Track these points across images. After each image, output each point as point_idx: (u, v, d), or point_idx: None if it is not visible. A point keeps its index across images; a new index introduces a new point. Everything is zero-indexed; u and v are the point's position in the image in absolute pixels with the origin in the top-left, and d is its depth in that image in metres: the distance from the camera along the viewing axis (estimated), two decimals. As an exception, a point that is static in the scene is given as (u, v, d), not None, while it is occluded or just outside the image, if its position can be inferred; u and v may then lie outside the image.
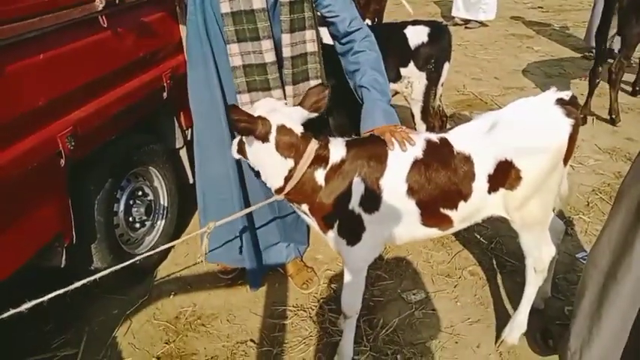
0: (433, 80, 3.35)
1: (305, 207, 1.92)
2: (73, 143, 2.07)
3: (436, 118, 3.56)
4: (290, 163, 1.80)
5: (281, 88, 2.08)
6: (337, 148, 1.85)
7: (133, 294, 2.66)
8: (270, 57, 2.00)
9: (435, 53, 3.25)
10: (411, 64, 3.28)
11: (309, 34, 2.03)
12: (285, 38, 1.98)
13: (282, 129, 1.78)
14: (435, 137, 1.91)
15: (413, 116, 3.51)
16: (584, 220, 3.09)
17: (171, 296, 2.65)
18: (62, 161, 2.06)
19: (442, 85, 3.48)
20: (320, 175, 1.83)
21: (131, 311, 2.55)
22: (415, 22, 3.32)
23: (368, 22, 4.51)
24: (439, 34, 3.26)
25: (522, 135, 1.84)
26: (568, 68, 5.74)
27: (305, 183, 1.83)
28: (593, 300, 1.60)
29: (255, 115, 1.77)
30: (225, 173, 2.29)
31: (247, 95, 2.07)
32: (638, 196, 1.43)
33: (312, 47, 2.06)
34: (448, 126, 3.90)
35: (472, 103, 5.01)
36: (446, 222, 1.95)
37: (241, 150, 1.92)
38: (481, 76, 5.68)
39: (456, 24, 7.92)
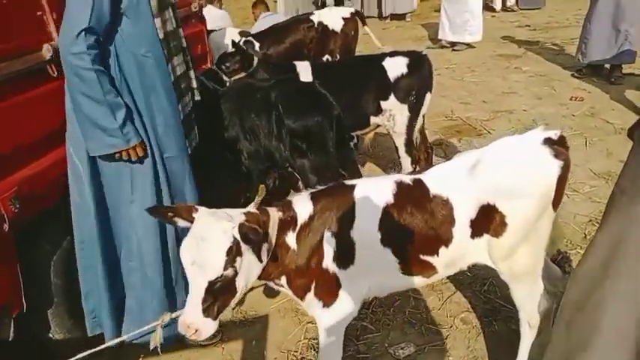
0: (415, 112, 3.22)
1: (283, 279, 1.75)
2: (17, 205, 1.89)
3: (421, 150, 3.40)
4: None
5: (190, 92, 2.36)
6: (303, 205, 1.70)
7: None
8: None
9: (416, 84, 3.13)
10: (392, 97, 3.15)
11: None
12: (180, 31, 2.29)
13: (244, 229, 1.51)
14: (407, 179, 1.77)
15: (396, 149, 3.36)
16: (583, 254, 2.90)
17: (139, 361, 2.44)
18: (6, 226, 1.88)
19: (424, 116, 3.34)
20: (291, 238, 1.69)
21: (94, 381, 2.34)
22: (393, 54, 3.20)
23: (327, 57, 4.44)
24: (419, 64, 3.14)
25: (507, 177, 1.69)
26: (558, 88, 5.62)
27: (279, 255, 1.67)
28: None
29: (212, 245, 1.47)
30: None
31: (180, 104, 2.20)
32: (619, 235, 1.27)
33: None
34: (436, 157, 3.75)
35: (461, 129, 4.86)
36: (428, 269, 1.80)
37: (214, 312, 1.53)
38: (469, 100, 5.56)
39: (442, 46, 7.86)
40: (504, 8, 10.34)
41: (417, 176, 1.75)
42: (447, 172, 1.74)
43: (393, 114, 3.20)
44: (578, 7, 9.87)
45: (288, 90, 2.77)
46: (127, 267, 2.19)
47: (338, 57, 4.47)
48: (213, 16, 6.20)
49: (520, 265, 1.77)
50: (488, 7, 9.98)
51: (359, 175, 3.06)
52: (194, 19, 3.28)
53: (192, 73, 2.35)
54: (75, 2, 1.80)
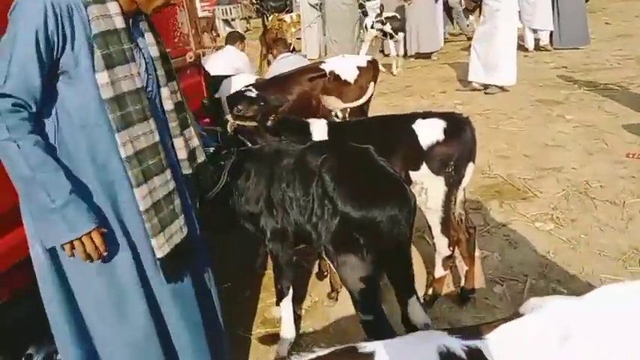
0: (454, 185, 2.60)
1: None
2: None
3: (460, 231, 2.77)
4: None
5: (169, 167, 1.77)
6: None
7: None
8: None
9: (455, 153, 2.52)
10: (424, 167, 2.55)
11: (176, 83, 1.92)
12: (165, 91, 1.82)
13: None
14: (458, 348, 1.13)
15: (430, 228, 2.74)
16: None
17: None
18: None
19: (464, 189, 2.73)
20: None
21: None
22: (427, 115, 2.62)
23: (338, 113, 3.90)
24: (459, 129, 2.54)
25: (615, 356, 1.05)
26: (610, 141, 4.92)
27: None
28: None
29: None
30: None
31: (145, 186, 1.66)
32: None
33: (181, 96, 1.94)
34: (479, 215, 3.09)
35: (501, 190, 4.21)
36: None
37: None
38: (508, 153, 4.92)
39: (474, 89, 7.28)
40: (537, 47, 9.75)
41: (473, 342, 1.12)
42: (523, 340, 1.10)
43: (425, 187, 2.60)
44: (617, 47, 9.25)
45: (343, 159, 2.23)
46: None
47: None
48: (230, 59, 5.74)
49: None
50: (520, 46, 9.42)
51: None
52: (189, 70, 2.79)
53: (180, 142, 1.88)
54: None
